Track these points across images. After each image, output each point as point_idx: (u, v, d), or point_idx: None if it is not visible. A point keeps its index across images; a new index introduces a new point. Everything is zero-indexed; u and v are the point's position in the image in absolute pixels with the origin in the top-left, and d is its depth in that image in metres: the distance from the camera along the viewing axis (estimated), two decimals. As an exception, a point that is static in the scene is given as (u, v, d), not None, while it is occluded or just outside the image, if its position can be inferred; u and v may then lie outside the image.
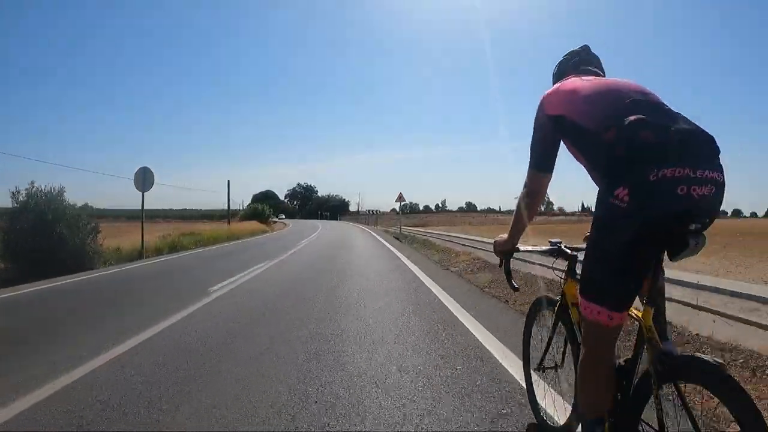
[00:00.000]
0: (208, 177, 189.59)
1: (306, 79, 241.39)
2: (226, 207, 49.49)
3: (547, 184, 1.60)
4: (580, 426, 1.47)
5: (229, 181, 35.45)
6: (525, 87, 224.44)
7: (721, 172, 1.18)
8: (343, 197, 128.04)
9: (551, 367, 1.95)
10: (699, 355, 1.18)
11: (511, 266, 1.82)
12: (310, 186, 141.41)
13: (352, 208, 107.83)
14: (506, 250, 1.72)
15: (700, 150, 1.17)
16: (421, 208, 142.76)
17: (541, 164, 1.56)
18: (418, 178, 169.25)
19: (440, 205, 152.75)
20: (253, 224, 33.45)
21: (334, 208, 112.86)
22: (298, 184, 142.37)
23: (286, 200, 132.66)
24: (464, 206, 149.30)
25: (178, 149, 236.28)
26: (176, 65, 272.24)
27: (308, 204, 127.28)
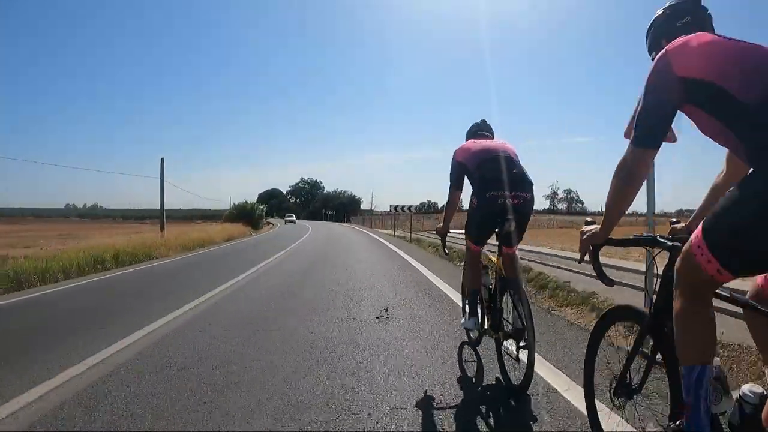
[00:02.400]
0: (216, 176, 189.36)
1: (309, 79, 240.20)
2: (232, 205, 42.38)
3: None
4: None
5: (163, 159, 20.17)
6: (537, 83, 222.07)
7: None
8: (353, 194, 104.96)
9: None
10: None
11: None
12: (316, 181, 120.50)
13: (365, 206, 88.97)
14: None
15: None
16: (439, 207, 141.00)
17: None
18: (435, 177, 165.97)
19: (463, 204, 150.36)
20: (228, 228, 25.27)
21: (343, 207, 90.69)
22: (302, 179, 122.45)
23: (290, 197, 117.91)
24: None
25: (178, 149, 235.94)
26: (180, 63, 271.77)
27: (312, 202, 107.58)
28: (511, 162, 2.73)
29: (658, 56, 1.36)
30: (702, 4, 1.53)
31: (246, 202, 40.89)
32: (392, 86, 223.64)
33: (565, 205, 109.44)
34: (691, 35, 1.36)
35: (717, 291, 1.28)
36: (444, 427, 2.13)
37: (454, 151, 3.01)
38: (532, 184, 2.75)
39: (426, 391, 2.57)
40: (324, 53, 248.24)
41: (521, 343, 2.57)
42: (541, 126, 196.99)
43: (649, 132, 1.35)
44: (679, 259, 1.29)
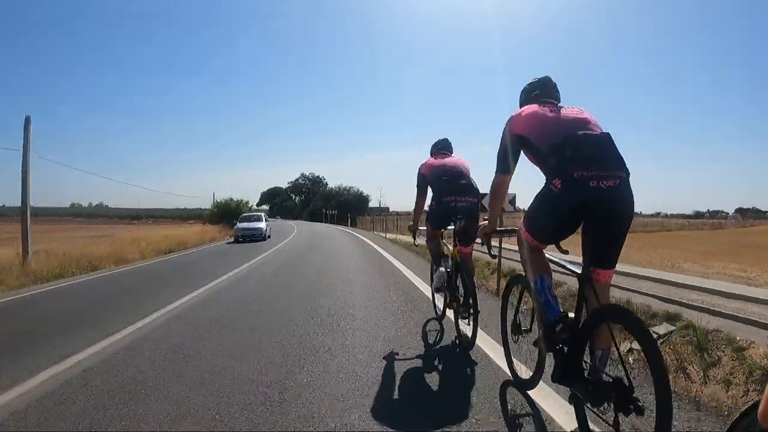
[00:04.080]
0: (214, 177, 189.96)
1: (313, 79, 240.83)
2: (214, 203, 35.18)
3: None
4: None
5: (28, 117, 10.98)
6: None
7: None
8: (360, 190, 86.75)
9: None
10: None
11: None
12: (318, 177, 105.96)
13: (373, 204, 77.05)
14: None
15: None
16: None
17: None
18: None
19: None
20: (188, 233, 21.56)
21: (348, 205, 71.82)
22: (302, 175, 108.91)
23: (291, 196, 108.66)
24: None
25: (178, 149, 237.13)
26: (183, 63, 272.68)
27: (313, 199, 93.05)
28: (461, 175, 3.75)
29: (507, 120, 2.37)
30: (548, 80, 2.47)
31: (231, 199, 34.50)
32: (410, 84, 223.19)
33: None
34: (524, 107, 2.36)
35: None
36: (412, 363, 3.14)
37: (420, 165, 4.03)
38: (478, 191, 3.78)
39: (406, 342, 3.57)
40: (334, 52, 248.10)
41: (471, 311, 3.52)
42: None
43: (504, 164, 2.41)
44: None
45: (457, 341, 3.72)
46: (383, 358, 3.38)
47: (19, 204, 10.93)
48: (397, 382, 2.92)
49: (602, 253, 2.02)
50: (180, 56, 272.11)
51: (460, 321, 3.74)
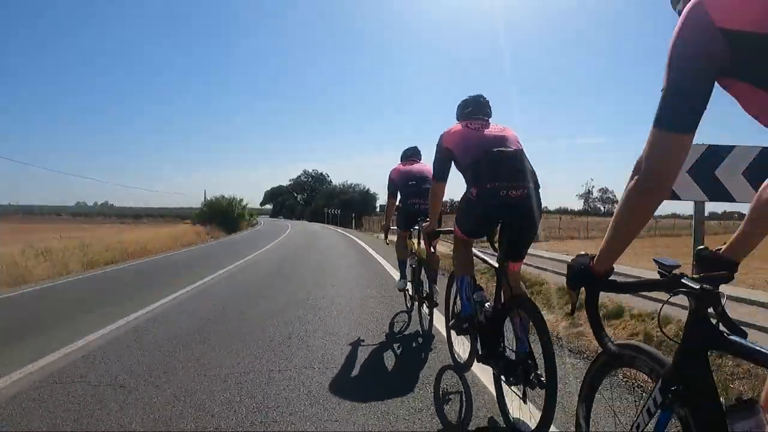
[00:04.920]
0: (216, 176, 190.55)
1: (317, 79, 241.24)
2: (204, 202, 32.42)
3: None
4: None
5: None
6: (549, 82, 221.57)
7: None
8: (368, 188, 73.07)
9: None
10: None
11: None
12: (321, 174, 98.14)
13: (382, 202, 55.65)
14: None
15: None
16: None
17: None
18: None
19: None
20: (165, 234, 19.49)
21: (352, 204, 59.85)
22: (305, 172, 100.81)
23: (294, 194, 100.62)
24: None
25: (177, 149, 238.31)
26: (184, 62, 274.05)
27: (316, 198, 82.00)
28: (426, 180, 4.10)
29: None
30: (480, 97, 2.67)
31: (222, 197, 31.46)
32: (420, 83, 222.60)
33: (600, 206, 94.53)
34: (454, 125, 2.55)
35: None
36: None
37: (390, 170, 4.50)
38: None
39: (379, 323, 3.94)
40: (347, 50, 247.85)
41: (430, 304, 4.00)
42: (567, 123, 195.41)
43: (438, 172, 2.56)
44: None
45: (422, 327, 4.17)
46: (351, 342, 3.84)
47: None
48: (363, 360, 3.43)
49: (513, 249, 2.41)
50: (190, 57, 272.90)
51: (425, 311, 4.16)
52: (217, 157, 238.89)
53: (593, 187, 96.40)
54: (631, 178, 0.96)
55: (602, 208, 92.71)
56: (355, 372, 3.18)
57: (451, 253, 2.83)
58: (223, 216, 28.36)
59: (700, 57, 0.88)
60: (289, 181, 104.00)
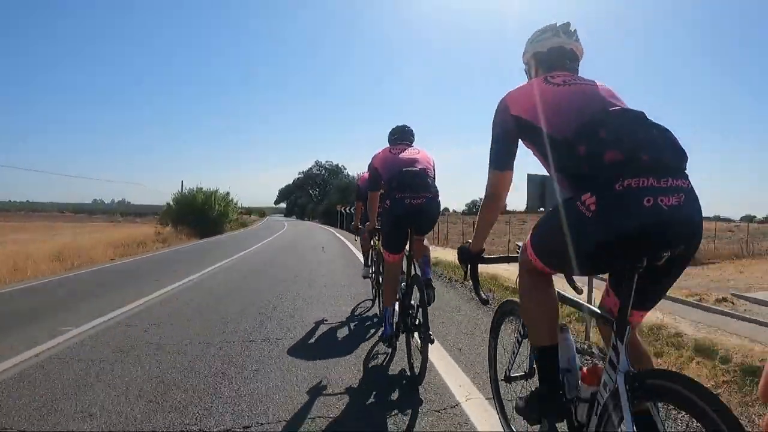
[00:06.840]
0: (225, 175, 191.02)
1: (320, 79, 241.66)
2: (175, 196, 24.86)
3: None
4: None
5: None
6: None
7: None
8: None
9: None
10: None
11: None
12: (336, 166, 79.53)
13: None
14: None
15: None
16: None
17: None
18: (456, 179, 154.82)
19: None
20: (117, 236, 16.35)
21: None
22: (317, 163, 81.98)
23: (308, 189, 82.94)
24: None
25: (176, 150, 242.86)
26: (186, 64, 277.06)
27: (330, 193, 61.37)
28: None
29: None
30: (405, 127, 3.58)
31: (198, 190, 24.61)
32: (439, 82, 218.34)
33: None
34: (383, 148, 3.41)
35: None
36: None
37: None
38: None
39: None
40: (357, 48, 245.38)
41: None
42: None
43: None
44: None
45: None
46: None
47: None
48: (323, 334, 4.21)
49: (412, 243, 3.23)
50: (209, 67, 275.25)
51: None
52: (245, 156, 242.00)
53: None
54: (484, 196, 1.62)
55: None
56: (318, 340, 3.84)
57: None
58: (198, 215, 22.65)
59: (506, 128, 1.53)
60: (299, 173, 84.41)
